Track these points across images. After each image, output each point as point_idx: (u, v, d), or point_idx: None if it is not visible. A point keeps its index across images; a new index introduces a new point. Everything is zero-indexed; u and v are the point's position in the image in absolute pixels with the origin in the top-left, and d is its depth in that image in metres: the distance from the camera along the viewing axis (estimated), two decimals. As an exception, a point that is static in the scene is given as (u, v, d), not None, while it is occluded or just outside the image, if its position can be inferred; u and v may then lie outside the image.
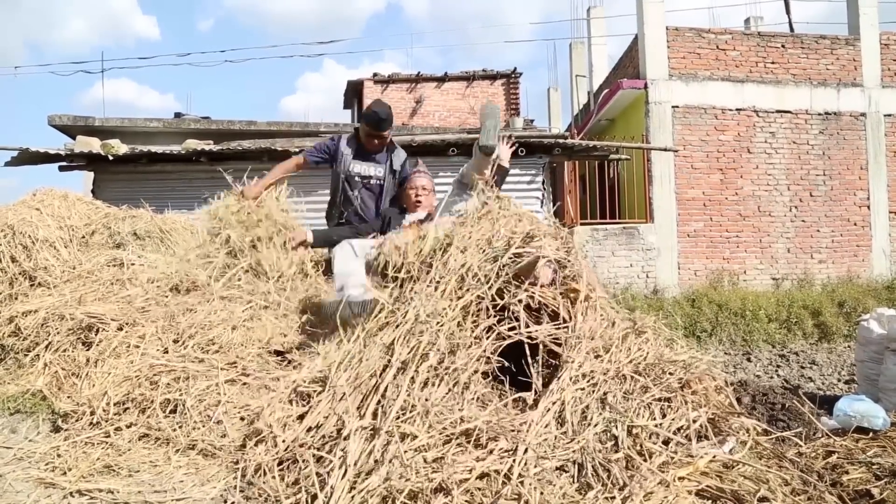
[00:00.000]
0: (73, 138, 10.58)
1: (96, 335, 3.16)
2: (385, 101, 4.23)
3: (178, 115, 12.98)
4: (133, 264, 3.53)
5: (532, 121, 14.10)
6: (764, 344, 8.21)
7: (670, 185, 9.28)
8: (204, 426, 2.51)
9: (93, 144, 6.62)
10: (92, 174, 7.10)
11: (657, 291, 9.03)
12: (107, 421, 2.56)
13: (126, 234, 4.19)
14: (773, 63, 9.53)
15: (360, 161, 4.06)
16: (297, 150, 6.73)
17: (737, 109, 9.42)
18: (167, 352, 2.91)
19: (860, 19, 9.77)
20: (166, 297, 3.29)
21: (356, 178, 4.08)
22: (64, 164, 6.56)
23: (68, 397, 2.86)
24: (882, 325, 4.66)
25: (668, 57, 9.34)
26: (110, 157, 6.36)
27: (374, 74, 16.23)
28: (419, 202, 3.77)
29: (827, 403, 4.68)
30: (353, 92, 16.93)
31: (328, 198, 4.26)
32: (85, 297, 3.32)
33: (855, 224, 9.68)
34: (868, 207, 9.68)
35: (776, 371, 7.15)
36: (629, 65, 10.19)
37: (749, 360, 7.79)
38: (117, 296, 3.33)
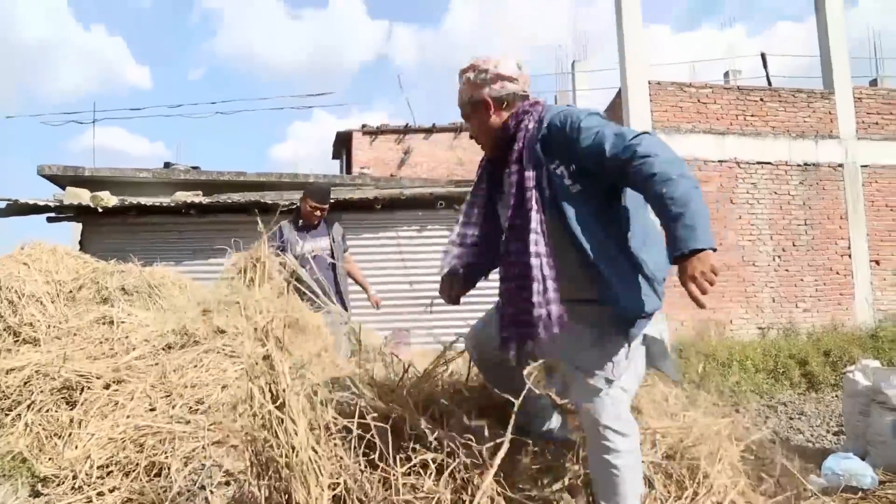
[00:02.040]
0: (63, 188, 10.59)
1: (81, 394, 3.12)
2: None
3: (167, 164, 13.06)
4: (123, 322, 3.50)
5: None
6: (752, 394, 8.21)
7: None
8: (188, 491, 2.46)
9: (82, 196, 6.64)
10: (80, 226, 7.09)
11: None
12: (89, 486, 2.51)
13: (114, 289, 4.17)
14: (752, 116, 9.82)
15: (309, 239, 4.46)
16: (285, 202, 6.80)
17: (719, 161, 9.64)
18: (154, 410, 2.88)
19: (834, 74, 10.13)
20: (158, 354, 3.25)
21: (305, 256, 4.36)
22: (53, 215, 6.56)
23: (49, 459, 2.80)
24: (867, 377, 4.69)
25: (651, 110, 9.60)
26: (99, 210, 6.37)
27: (363, 126, 16.50)
28: None
29: (815, 457, 4.68)
30: (342, 143, 17.17)
31: None
32: (72, 355, 3.28)
33: (837, 273, 9.82)
34: (849, 256, 9.85)
35: (765, 422, 7.14)
36: (613, 117, 10.42)
37: (738, 410, 7.77)
38: (106, 354, 3.30)
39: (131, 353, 3.29)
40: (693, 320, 9.39)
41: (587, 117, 1.87)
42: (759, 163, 9.74)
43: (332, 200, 4.67)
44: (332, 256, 4.47)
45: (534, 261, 1.79)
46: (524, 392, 1.85)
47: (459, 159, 16.70)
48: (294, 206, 6.81)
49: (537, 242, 1.81)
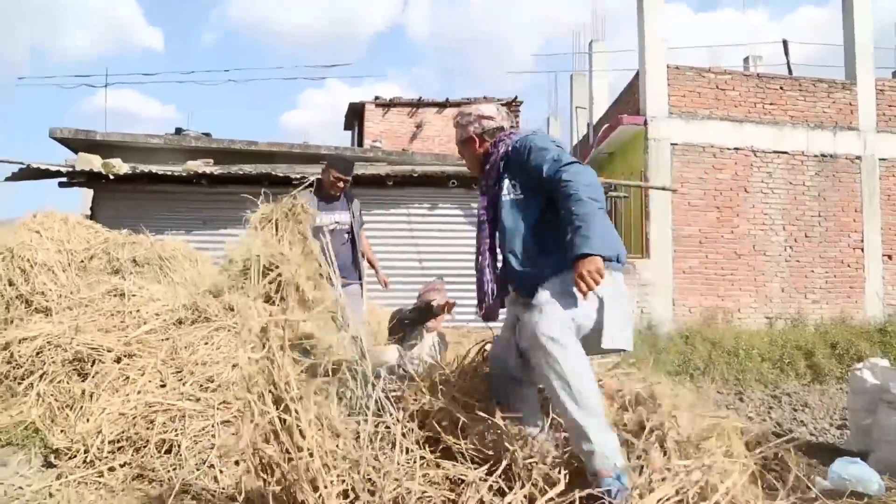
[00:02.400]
0: (75, 151, 10.57)
1: (92, 366, 3.14)
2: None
3: (178, 130, 13.02)
4: (134, 295, 3.51)
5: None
6: (756, 384, 8.22)
7: (667, 221, 9.33)
8: (198, 469, 2.49)
9: (94, 162, 6.62)
10: (91, 192, 7.08)
11: (651, 327, 9.03)
12: (101, 460, 2.54)
13: (125, 261, 4.18)
14: (771, 104, 9.66)
15: (326, 212, 4.33)
16: (297, 175, 6.76)
17: (735, 149, 9.52)
18: (165, 387, 2.90)
19: (856, 65, 9.93)
20: (169, 329, 3.26)
21: (325, 228, 4.23)
22: (64, 180, 6.55)
23: (62, 431, 2.83)
24: (875, 375, 4.68)
25: (668, 95, 9.45)
26: (111, 177, 6.36)
27: (376, 98, 16.36)
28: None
29: (819, 453, 4.69)
30: (355, 114, 17.04)
31: None
32: (84, 327, 3.29)
33: (849, 266, 9.74)
34: (862, 250, 9.76)
35: (768, 413, 7.15)
36: (629, 100, 10.31)
37: (741, 399, 7.79)
38: (117, 327, 3.31)
39: (142, 326, 3.30)
40: (700, 307, 9.37)
41: (541, 142, 2.35)
42: (775, 152, 9.61)
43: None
44: (351, 231, 4.40)
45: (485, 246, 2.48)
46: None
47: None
48: (305, 180, 6.81)
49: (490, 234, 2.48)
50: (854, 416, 4.82)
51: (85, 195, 8.08)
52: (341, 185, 4.39)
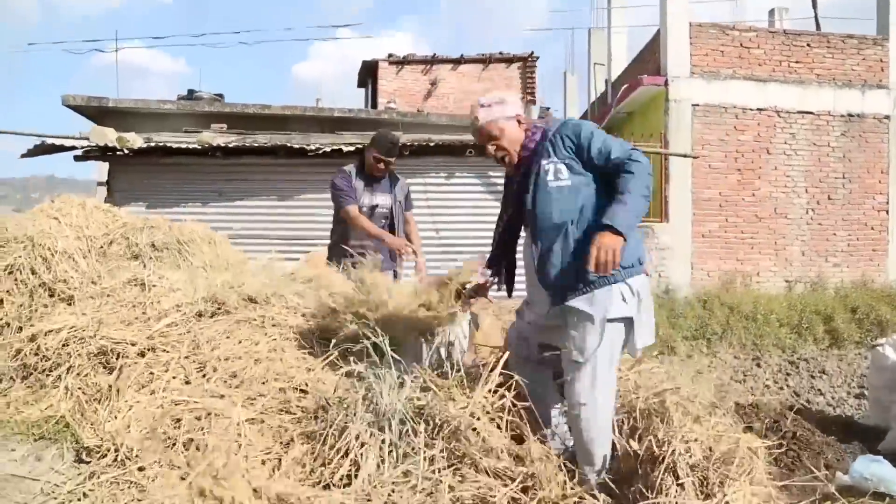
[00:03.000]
0: (88, 118, 10.56)
1: (117, 360, 3.19)
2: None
3: (191, 91, 12.88)
4: (154, 286, 3.53)
5: (548, 108, 13.95)
6: (774, 349, 8.20)
7: (687, 184, 9.19)
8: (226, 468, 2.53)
9: (108, 135, 6.60)
10: (107, 164, 7.09)
11: (668, 291, 9.00)
12: (130, 459, 2.59)
13: (144, 245, 4.19)
14: (797, 63, 9.35)
15: (369, 192, 4.15)
16: (312, 147, 6.71)
17: (758, 109, 9.27)
18: (189, 384, 2.94)
19: (890, 18, 9.53)
20: (190, 322, 3.28)
21: (366, 210, 4.14)
22: (80, 153, 6.55)
23: (91, 425, 2.89)
24: (898, 353, 4.63)
25: (690, 54, 9.18)
26: (126, 151, 6.34)
27: (389, 55, 16.05)
28: None
29: (836, 428, 4.70)
30: (368, 72, 16.77)
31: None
32: (106, 320, 3.33)
33: (872, 228, 9.58)
34: (887, 212, 9.57)
35: (785, 380, 7.16)
36: (650, 59, 10.02)
37: (759, 365, 7.79)
38: (139, 319, 3.34)
39: (163, 320, 3.32)
40: (719, 271, 9.30)
41: (595, 129, 2.37)
42: (799, 112, 9.35)
43: (398, 154, 4.22)
44: (391, 215, 4.20)
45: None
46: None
47: (488, 91, 16.26)
48: (321, 151, 6.76)
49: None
50: (874, 392, 4.80)
51: (101, 167, 8.08)
52: (382, 166, 4.12)
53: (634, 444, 2.12)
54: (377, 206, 4.17)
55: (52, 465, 2.78)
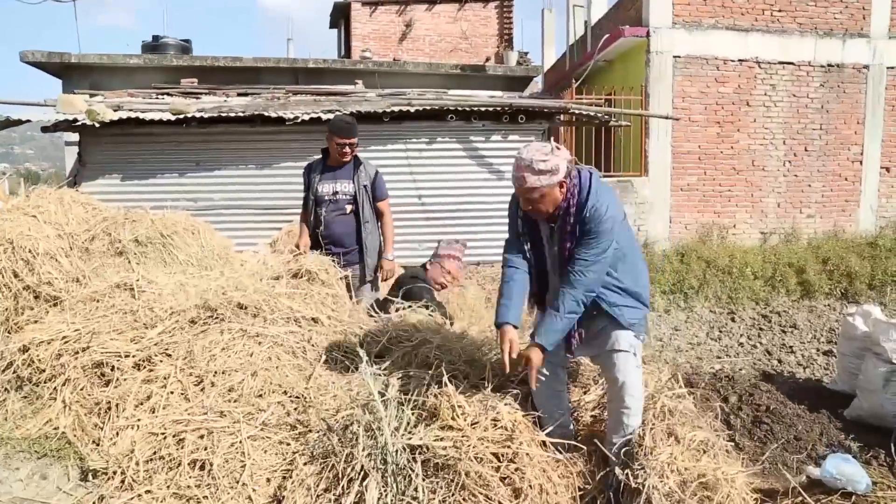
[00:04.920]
0: (50, 74, 10.10)
1: (113, 371, 3.20)
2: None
3: (156, 38, 12.33)
4: (143, 291, 3.51)
5: (527, 53, 13.64)
6: (748, 301, 8.44)
7: (667, 138, 9.18)
8: (232, 489, 2.62)
9: (76, 104, 6.34)
10: (77, 135, 6.85)
11: (647, 245, 9.14)
12: (137, 483, 2.66)
13: (127, 241, 4.14)
14: (780, 11, 9.21)
15: (327, 181, 4.15)
16: (290, 115, 6.54)
17: (739, 60, 9.19)
18: (188, 399, 2.97)
19: (874, -39, 9.38)
20: (183, 330, 3.29)
21: (324, 198, 4.15)
22: (47, 125, 6.31)
23: (94, 443, 2.93)
24: (867, 324, 4.81)
25: (672, 3, 8.97)
26: (96, 125, 6.12)
27: (362, -5, 15.43)
28: (443, 286, 4.26)
29: (806, 394, 4.93)
30: (340, 13, 16.15)
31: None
32: (98, 328, 3.31)
33: (846, 179, 9.73)
34: (861, 163, 9.71)
35: (759, 335, 7.43)
36: (631, 7, 9.79)
37: (733, 320, 8.05)
38: (131, 327, 3.33)
39: (156, 328, 3.32)
40: (696, 224, 9.44)
41: (606, 222, 2.47)
42: (780, 63, 9.28)
43: (357, 136, 4.11)
44: (355, 201, 4.10)
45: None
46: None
47: (463, 32, 15.84)
48: (298, 119, 6.59)
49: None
50: (842, 359, 5.00)
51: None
52: (347, 149, 4.06)
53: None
54: (337, 192, 4.14)
55: (58, 485, 2.83)
